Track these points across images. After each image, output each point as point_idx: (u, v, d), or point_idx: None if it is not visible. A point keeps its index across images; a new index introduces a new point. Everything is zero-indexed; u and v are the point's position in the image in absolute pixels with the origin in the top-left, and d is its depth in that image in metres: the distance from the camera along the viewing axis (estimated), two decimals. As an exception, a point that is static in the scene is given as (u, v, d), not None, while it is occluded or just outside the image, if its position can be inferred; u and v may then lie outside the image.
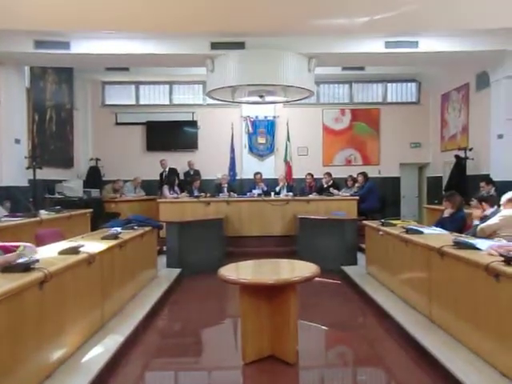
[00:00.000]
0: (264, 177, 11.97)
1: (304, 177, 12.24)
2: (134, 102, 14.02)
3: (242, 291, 4.40)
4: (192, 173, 12.71)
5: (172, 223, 8.55)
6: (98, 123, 13.82)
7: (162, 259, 8.58)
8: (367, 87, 14.22)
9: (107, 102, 14.04)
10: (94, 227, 8.57)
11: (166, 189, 11.11)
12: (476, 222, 6.29)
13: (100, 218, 9.84)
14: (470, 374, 3.71)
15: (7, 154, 9.75)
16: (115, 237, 5.85)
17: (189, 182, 11.71)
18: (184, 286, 7.58)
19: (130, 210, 10.56)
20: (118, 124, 13.88)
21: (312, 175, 12.13)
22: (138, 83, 13.94)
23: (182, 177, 12.85)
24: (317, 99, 14.00)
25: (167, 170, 12.64)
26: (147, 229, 7.10)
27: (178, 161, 13.33)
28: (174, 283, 7.45)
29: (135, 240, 6.41)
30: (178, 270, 8.10)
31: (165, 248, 8.72)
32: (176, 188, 11.34)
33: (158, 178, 12.67)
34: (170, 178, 11.72)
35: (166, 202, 10.52)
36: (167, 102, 14.03)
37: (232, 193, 11.05)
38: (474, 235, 5.53)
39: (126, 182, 12.42)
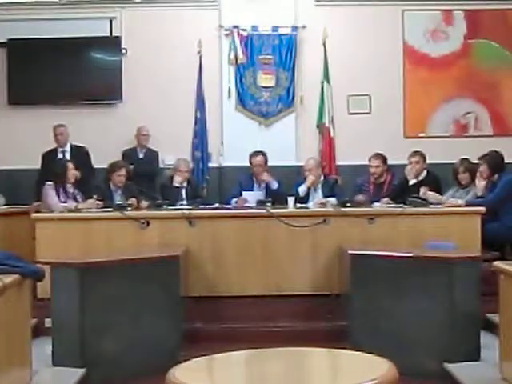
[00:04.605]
0: (272, 163, 8.52)
1: (367, 163, 8.52)
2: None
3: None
4: (142, 156, 9.26)
5: (65, 267, 6.07)
6: None
7: (43, 347, 5.97)
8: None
9: None
10: None
11: (49, 189, 7.93)
12: None
13: None
14: None
15: None
16: None
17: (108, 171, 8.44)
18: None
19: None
20: None
21: (383, 157, 8.42)
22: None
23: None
24: (392, -12, 10.14)
25: (67, 148, 9.10)
26: (8, 280, 4.96)
27: (89, 128, 9.54)
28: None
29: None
30: (77, 373, 5.60)
31: (48, 323, 6.09)
32: (71, 189, 7.92)
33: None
34: (54, 166, 8.28)
35: (50, 218, 7.43)
36: (53, -1, 10.11)
37: (199, 199, 8.11)
38: None
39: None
